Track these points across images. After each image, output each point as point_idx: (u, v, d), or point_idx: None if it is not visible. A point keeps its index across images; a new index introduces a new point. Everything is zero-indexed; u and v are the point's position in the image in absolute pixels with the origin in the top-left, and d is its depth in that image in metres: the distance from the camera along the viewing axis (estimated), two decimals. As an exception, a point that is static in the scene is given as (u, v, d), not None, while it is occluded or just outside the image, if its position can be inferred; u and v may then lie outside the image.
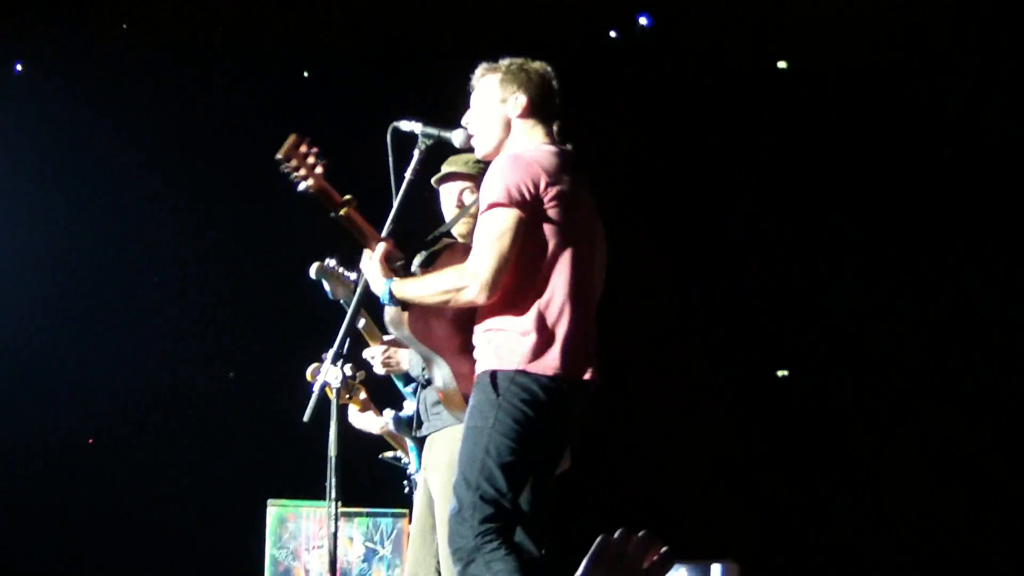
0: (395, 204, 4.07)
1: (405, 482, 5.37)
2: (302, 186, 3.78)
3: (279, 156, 3.74)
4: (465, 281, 3.76)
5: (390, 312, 4.12)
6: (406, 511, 5.90)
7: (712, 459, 7.93)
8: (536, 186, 3.79)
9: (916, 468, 7.78)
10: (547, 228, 3.81)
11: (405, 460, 5.31)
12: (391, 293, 3.88)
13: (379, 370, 4.99)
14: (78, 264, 7.92)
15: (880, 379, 8.01)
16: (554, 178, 3.82)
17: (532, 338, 3.77)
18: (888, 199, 7.94)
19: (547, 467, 3.91)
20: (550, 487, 3.92)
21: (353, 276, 4.86)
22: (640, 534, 1.81)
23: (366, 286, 3.99)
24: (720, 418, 8.00)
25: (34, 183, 7.92)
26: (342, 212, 3.89)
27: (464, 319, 4.02)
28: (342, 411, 4.54)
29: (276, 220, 7.54)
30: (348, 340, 4.10)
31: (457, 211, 4.60)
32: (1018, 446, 7.68)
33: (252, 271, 8.00)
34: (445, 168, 4.77)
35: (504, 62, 4.09)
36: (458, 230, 4.52)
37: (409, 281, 3.93)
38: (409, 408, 4.97)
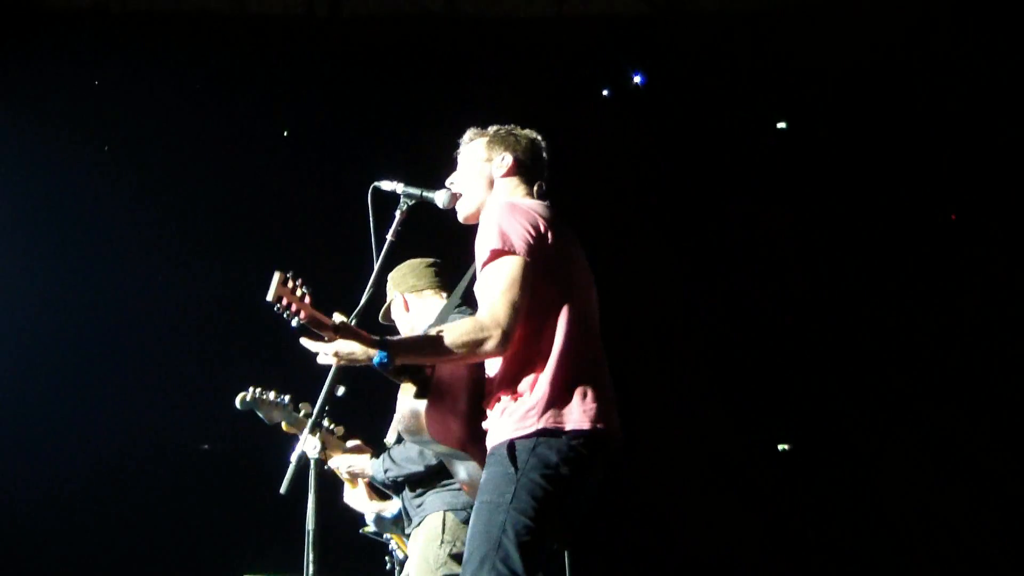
0: (376, 265, 3.95)
1: (387, 558, 5.22)
2: (295, 322, 3.65)
3: (269, 299, 3.63)
4: (487, 332, 3.55)
5: (406, 420, 3.93)
6: (386, 587, 5.73)
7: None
8: (538, 231, 3.66)
9: (921, 476, 7.76)
10: (549, 278, 3.68)
11: (387, 535, 5.17)
12: (390, 350, 3.66)
13: (344, 477, 4.93)
14: (52, 331, 7.79)
15: (886, 382, 8.00)
16: (552, 226, 3.71)
17: (548, 392, 3.59)
18: (891, 201, 7.96)
19: (565, 536, 3.72)
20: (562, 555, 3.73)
21: (279, 397, 4.93)
22: None
23: (338, 369, 3.81)
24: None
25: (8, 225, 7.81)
26: (337, 335, 3.73)
27: (476, 403, 3.84)
28: (321, 483, 4.41)
29: (249, 281, 7.42)
30: (326, 410, 3.94)
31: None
32: (1018, 446, 7.66)
33: (229, 337, 7.86)
34: (390, 286, 4.84)
35: (493, 127, 4.04)
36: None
37: (409, 339, 3.76)
38: (393, 507, 4.89)
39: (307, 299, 3.65)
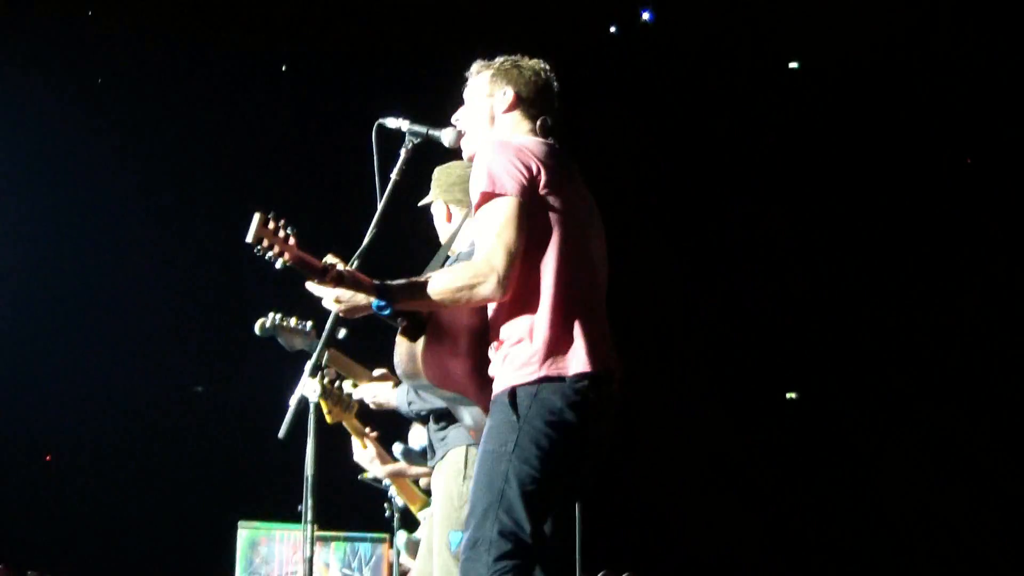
0: (380, 205, 3.83)
1: (386, 504, 5.15)
2: (279, 263, 3.53)
3: (249, 240, 3.50)
4: (482, 276, 3.43)
5: (403, 364, 3.83)
6: (386, 536, 5.69)
7: (716, 479, 7.83)
8: (529, 171, 3.52)
9: (922, 472, 7.74)
10: (545, 217, 3.54)
11: (387, 482, 5.09)
12: (390, 297, 3.56)
13: (372, 405, 4.80)
14: (44, 273, 7.70)
15: (886, 382, 7.96)
16: (545, 163, 3.56)
17: (548, 337, 3.46)
18: (893, 201, 7.89)
19: (572, 490, 3.61)
20: (573, 509, 3.62)
21: (300, 323, 4.80)
22: None
23: (333, 324, 3.70)
24: (732, 436, 7.92)
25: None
26: (329, 279, 3.60)
27: (479, 350, 3.72)
28: (320, 428, 4.30)
29: (249, 221, 7.31)
30: (326, 352, 3.83)
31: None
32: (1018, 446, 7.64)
33: (225, 282, 7.75)
34: (433, 189, 4.60)
35: (499, 59, 3.89)
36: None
37: (407, 284, 3.62)
38: (416, 439, 4.78)
39: (292, 240, 3.53)
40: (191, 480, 7.49)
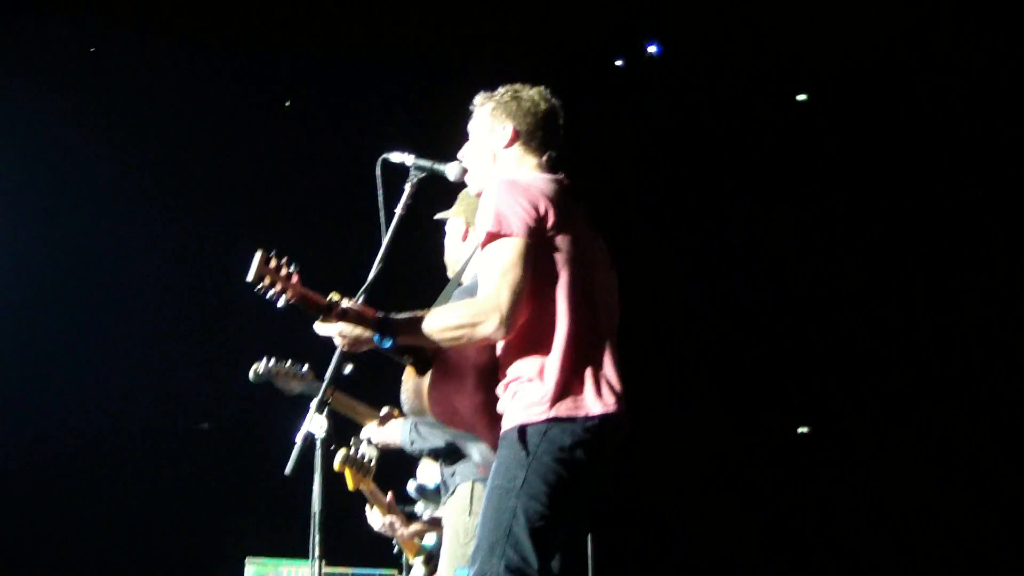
0: (385, 240, 3.81)
1: (395, 541, 5.11)
2: (281, 302, 3.52)
3: (250, 279, 3.50)
4: (484, 315, 3.42)
5: (410, 401, 3.83)
6: (395, 572, 5.64)
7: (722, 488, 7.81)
8: (536, 211, 3.51)
9: (921, 475, 7.71)
10: (553, 257, 3.53)
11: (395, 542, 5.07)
12: (391, 332, 3.55)
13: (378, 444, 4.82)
14: (47, 305, 7.66)
15: (886, 382, 7.94)
16: (554, 202, 3.55)
17: (558, 379, 3.46)
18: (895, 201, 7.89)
19: (578, 526, 3.59)
20: (580, 543, 3.60)
21: (296, 367, 4.86)
22: None
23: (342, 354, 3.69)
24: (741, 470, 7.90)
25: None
26: (332, 316, 3.59)
27: (485, 385, 3.71)
28: (327, 463, 4.29)
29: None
30: (333, 388, 3.81)
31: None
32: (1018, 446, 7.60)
33: (229, 314, 7.73)
34: (458, 205, 4.56)
35: (500, 90, 3.87)
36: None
37: (409, 319, 3.61)
38: (424, 474, 4.78)
39: (294, 278, 3.53)
40: (198, 516, 7.46)
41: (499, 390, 3.59)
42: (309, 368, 4.92)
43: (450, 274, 4.46)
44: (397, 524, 5.01)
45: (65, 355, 7.65)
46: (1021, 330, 7.78)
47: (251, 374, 4.85)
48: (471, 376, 3.76)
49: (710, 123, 7.97)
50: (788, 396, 8.22)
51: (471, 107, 3.91)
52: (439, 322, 3.52)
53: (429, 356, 3.75)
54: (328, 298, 3.58)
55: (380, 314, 3.55)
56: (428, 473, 4.94)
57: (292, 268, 3.53)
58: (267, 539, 6.45)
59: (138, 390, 7.70)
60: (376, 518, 5.04)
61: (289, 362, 4.84)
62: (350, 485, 4.80)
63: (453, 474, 4.42)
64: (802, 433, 8.13)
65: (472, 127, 3.89)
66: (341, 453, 4.84)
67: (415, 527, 5.02)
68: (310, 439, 3.81)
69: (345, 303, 3.56)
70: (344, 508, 5.13)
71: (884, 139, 7.93)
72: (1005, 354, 7.79)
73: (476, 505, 4.29)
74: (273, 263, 3.50)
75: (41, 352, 7.63)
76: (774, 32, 7.87)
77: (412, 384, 3.80)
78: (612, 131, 7.47)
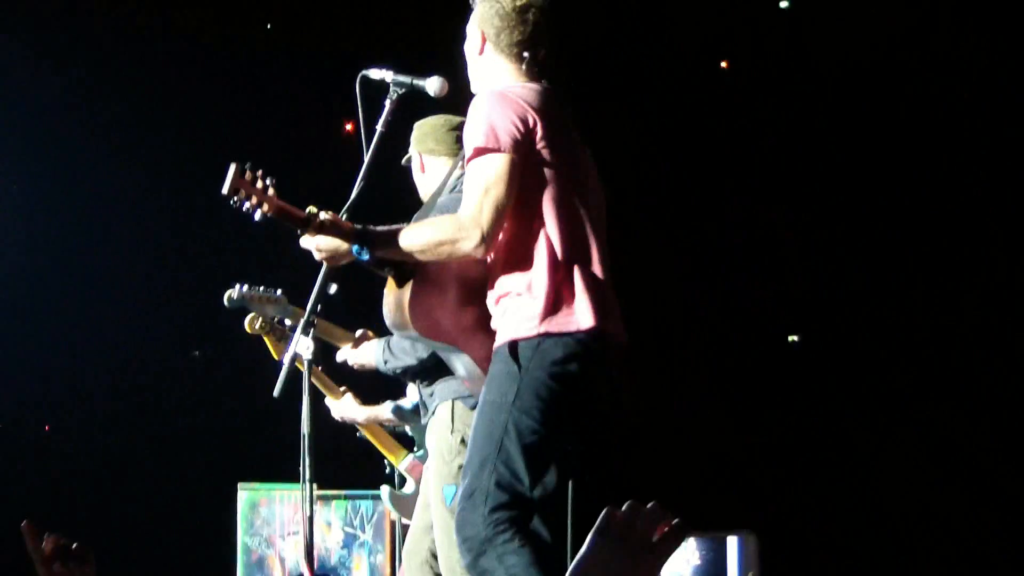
0: (366, 158, 3.76)
1: (386, 462, 5.11)
2: (258, 215, 3.46)
3: (225, 192, 3.43)
4: (465, 232, 3.36)
5: (391, 315, 3.77)
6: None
7: (724, 428, 7.79)
8: (525, 125, 3.43)
9: (930, 436, 7.69)
10: (542, 171, 3.46)
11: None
12: (369, 243, 3.50)
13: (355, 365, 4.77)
14: (32, 243, 7.60)
15: (886, 382, 7.91)
16: (543, 115, 3.47)
17: (548, 293, 3.39)
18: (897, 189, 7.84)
19: (577, 445, 3.52)
20: (583, 467, 3.52)
21: (270, 291, 4.85)
22: (649, 506, 1.69)
23: (328, 269, 3.64)
24: (732, 388, 7.87)
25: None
26: (311, 228, 3.54)
27: (469, 298, 3.67)
28: (316, 386, 4.27)
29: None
30: (319, 308, 3.78)
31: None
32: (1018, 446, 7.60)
33: (216, 244, 7.67)
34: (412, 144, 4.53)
35: None
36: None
37: (389, 231, 3.56)
38: (412, 397, 4.78)
39: (271, 191, 3.47)
40: (188, 444, 7.44)
41: (490, 305, 3.55)
42: (282, 293, 4.92)
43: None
44: (348, 411, 5.01)
45: (53, 288, 7.60)
46: (1021, 330, 7.74)
47: (225, 299, 4.86)
48: (453, 289, 3.71)
49: (709, 122, 7.88)
50: (787, 394, 8.20)
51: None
52: (418, 237, 3.47)
53: (410, 269, 3.70)
54: (306, 211, 3.53)
55: (359, 227, 3.50)
56: (412, 395, 4.94)
57: (269, 181, 3.47)
58: (259, 464, 6.45)
59: (124, 320, 7.65)
60: (333, 406, 5.02)
61: (261, 287, 4.83)
62: (274, 354, 4.80)
63: (432, 394, 4.40)
64: (800, 433, 8.11)
65: (468, 27, 3.70)
66: (249, 316, 4.86)
67: (368, 411, 5.00)
68: (297, 360, 3.78)
69: (323, 215, 3.51)
70: (335, 431, 5.13)
71: (884, 139, 7.83)
72: (1003, 350, 7.75)
73: (458, 423, 4.28)
74: (248, 175, 3.45)
75: (29, 287, 7.58)
76: (774, 32, 7.76)
77: (393, 298, 3.76)
78: (604, 112, 7.38)
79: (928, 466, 7.67)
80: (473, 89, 3.70)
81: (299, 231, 3.52)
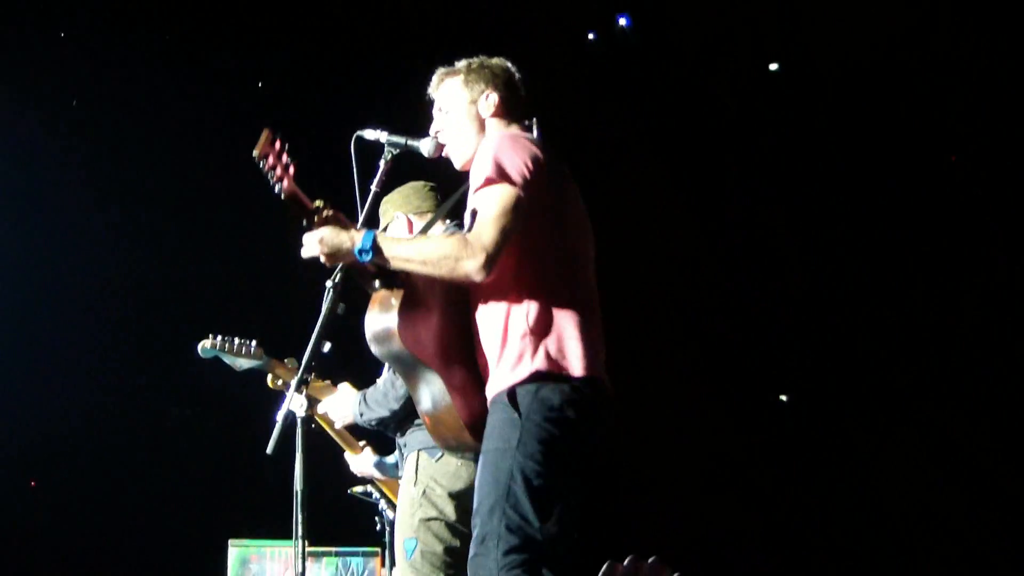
0: (361, 217, 3.80)
1: (377, 519, 5.12)
2: (277, 188, 3.52)
3: (256, 153, 3.48)
4: (470, 251, 3.39)
5: (377, 326, 3.78)
6: (378, 550, 5.66)
7: (719, 476, 7.82)
8: (535, 166, 3.51)
9: (929, 436, 7.74)
10: (545, 215, 3.53)
11: (376, 495, 5.07)
12: (374, 245, 3.52)
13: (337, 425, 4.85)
14: (22, 290, 7.59)
15: (886, 382, 7.96)
16: (548, 162, 3.56)
17: (541, 336, 3.46)
18: (888, 201, 7.91)
19: (579, 489, 3.54)
20: (586, 511, 3.56)
21: (244, 341, 4.91)
22: (650, 560, 1.66)
23: (330, 310, 3.66)
24: (723, 443, 7.90)
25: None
26: (316, 220, 3.59)
27: (453, 330, 3.70)
28: (309, 444, 4.29)
29: (228, 238, 7.27)
30: (313, 366, 3.80)
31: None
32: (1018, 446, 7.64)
33: (208, 298, 7.69)
34: (388, 206, 4.67)
35: (462, 63, 3.87)
36: None
37: (394, 238, 3.63)
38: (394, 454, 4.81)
39: (291, 169, 3.53)
40: (180, 499, 7.42)
41: (485, 346, 3.57)
42: (258, 344, 4.95)
43: None
44: (367, 466, 5.02)
45: (41, 344, 7.60)
46: (1021, 329, 7.80)
47: (199, 349, 4.89)
48: (438, 310, 3.70)
49: (708, 120, 7.97)
50: (780, 383, 8.25)
51: (431, 83, 3.88)
52: (424, 247, 3.50)
53: (400, 282, 3.68)
54: (315, 203, 3.58)
55: (364, 228, 3.55)
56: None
57: (290, 160, 3.53)
58: (250, 520, 6.44)
59: (116, 377, 7.66)
60: (352, 461, 5.03)
61: (236, 339, 4.87)
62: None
63: (405, 445, 4.45)
64: (786, 400, 8.14)
65: (443, 101, 3.86)
66: (270, 376, 4.89)
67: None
68: (290, 418, 3.80)
69: (329, 212, 3.57)
70: (327, 488, 5.14)
71: (883, 139, 7.93)
72: (1003, 350, 7.82)
73: (421, 475, 4.34)
74: (277, 145, 3.50)
75: (19, 340, 7.57)
76: (774, 32, 7.86)
77: (379, 307, 3.72)
78: (601, 112, 7.46)
79: (928, 466, 7.70)
80: (463, 149, 3.78)
81: (305, 221, 3.56)
